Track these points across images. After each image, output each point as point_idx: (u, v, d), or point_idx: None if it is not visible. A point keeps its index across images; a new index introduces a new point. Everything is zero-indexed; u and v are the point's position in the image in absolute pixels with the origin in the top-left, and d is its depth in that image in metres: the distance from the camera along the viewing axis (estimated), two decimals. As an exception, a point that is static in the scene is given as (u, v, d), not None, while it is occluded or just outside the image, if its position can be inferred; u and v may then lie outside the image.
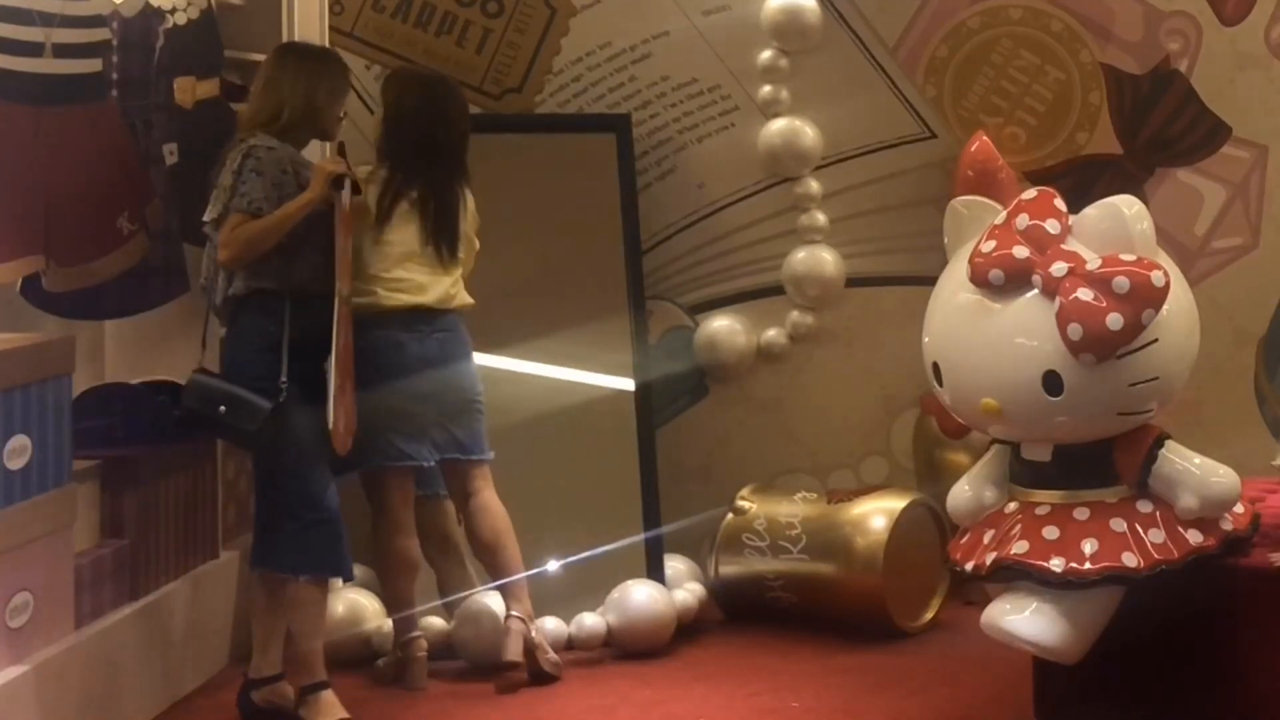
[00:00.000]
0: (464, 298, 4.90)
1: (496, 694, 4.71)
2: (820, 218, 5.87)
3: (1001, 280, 3.90)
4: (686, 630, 5.20)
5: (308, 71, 4.53)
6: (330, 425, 4.35)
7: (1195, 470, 3.93)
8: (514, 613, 4.79)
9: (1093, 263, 3.81)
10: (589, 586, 5.15)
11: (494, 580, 4.86)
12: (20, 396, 3.96)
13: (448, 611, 5.01)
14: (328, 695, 4.42)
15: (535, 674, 4.77)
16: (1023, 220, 3.96)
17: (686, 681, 4.82)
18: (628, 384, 5.50)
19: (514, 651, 4.72)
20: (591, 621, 5.08)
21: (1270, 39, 5.85)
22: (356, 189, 4.55)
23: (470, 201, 4.93)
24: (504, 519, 4.87)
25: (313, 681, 4.43)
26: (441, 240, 4.80)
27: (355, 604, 5.03)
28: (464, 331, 4.89)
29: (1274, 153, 5.86)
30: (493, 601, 4.96)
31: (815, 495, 5.47)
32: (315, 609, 4.48)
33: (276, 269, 4.40)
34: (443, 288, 4.81)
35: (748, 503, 5.46)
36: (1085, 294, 3.77)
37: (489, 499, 4.87)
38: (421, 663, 4.80)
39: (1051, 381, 3.83)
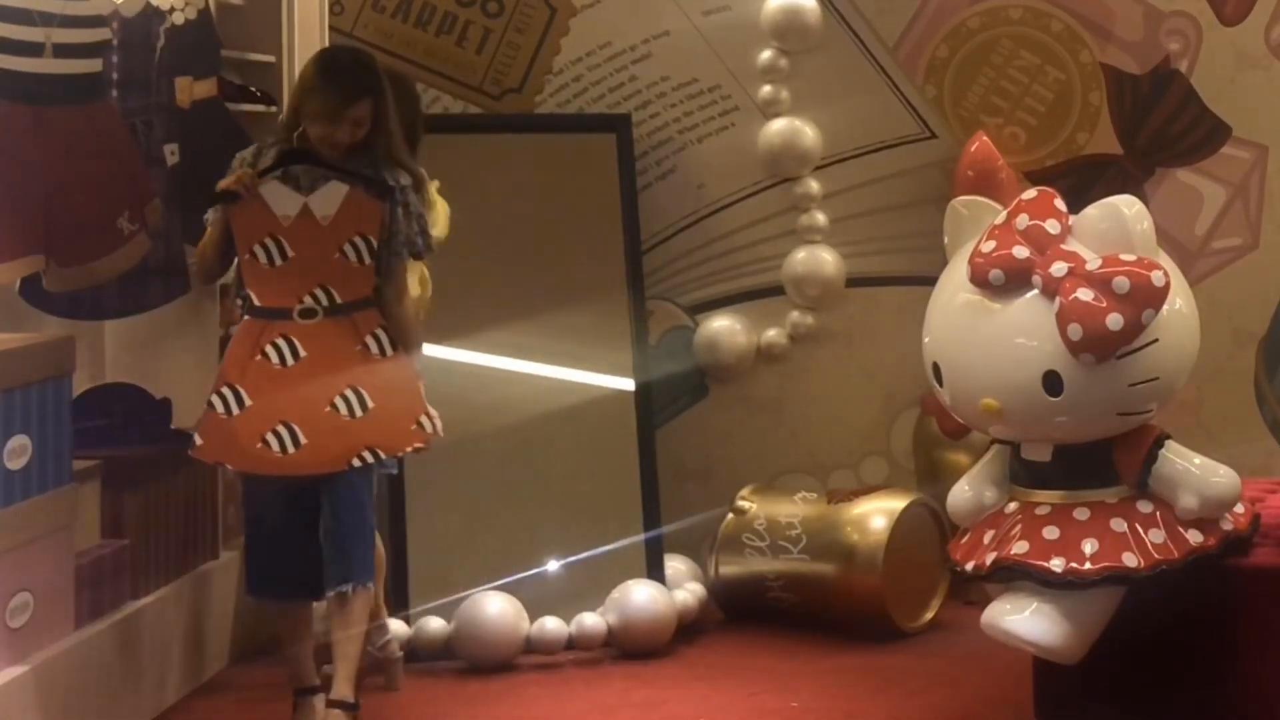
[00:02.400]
0: None
1: (491, 694, 4.72)
2: (820, 218, 5.86)
3: (1001, 280, 3.90)
4: (686, 630, 5.20)
5: (300, 74, 4.46)
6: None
7: (1195, 470, 3.93)
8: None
9: (1093, 263, 3.81)
10: (589, 586, 5.14)
11: None
12: (20, 396, 3.95)
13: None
14: (308, 702, 4.38)
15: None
16: (1023, 220, 3.96)
17: (686, 681, 4.82)
18: (628, 384, 5.50)
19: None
20: (591, 621, 5.08)
21: (1270, 39, 5.84)
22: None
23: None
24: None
25: (298, 687, 4.42)
26: None
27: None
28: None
29: (1274, 153, 5.85)
30: (494, 601, 4.97)
31: (815, 495, 5.46)
32: (276, 617, 4.48)
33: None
34: None
35: (748, 503, 5.46)
36: (1085, 294, 3.77)
37: None
38: (398, 664, 4.83)
39: (1051, 381, 3.83)
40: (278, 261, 4.26)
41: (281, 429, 4.17)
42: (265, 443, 4.16)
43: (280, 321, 4.23)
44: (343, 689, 4.29)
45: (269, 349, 4.21)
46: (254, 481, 4.35)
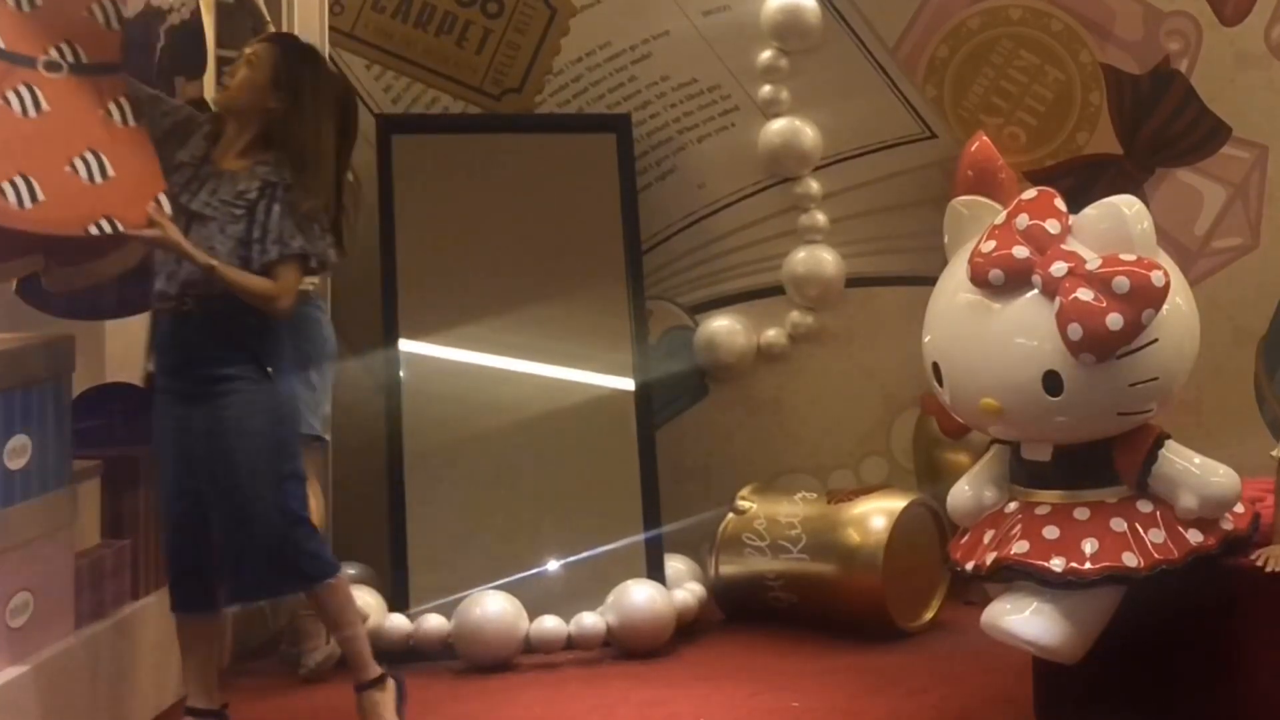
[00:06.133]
0: None
1: (491, 694, 4.72)
2: (820, 218, 5.86)
3: (1001, 280, 3.90)
4: (686, 630, 5.20)
5: None
6: None
7: (1195, 470, 3.93)
8: None
9: (1093, 263, 3.81)
10: (589, 586, 5.14)
11: None
12: (20, 396, 3.96)
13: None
14: None
15: None
16: (1023, 220, 3.96)
17: (686, 681, 4.81)
18: (628, 384, 5.50)
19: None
20: (591, 621, 5.08)
21: (1270, 39, 5.85)
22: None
23: None
24: None
25: (188, 706, 4.30)
26: None
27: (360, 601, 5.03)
28: None
29: (1274, 153, 5.86)
30: (494, 601, 4.97)
31: (815, 495, 5.46)
32: (177, 625, 4.30)
33: None
34: None
35: (748, 503, 5.46)
36: (1085, 294, 3.77)
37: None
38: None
39: (1051, 381, 3.83)
40: (24, 6, 4.03)
41: (19, 180, 3.88)
42: (1, 192, 3.86)
43: (24, 69, 3.98)
44: (357, 674, 4.23)
45: (10, 95, 3.95)
46: (164, 482, 4.17)
